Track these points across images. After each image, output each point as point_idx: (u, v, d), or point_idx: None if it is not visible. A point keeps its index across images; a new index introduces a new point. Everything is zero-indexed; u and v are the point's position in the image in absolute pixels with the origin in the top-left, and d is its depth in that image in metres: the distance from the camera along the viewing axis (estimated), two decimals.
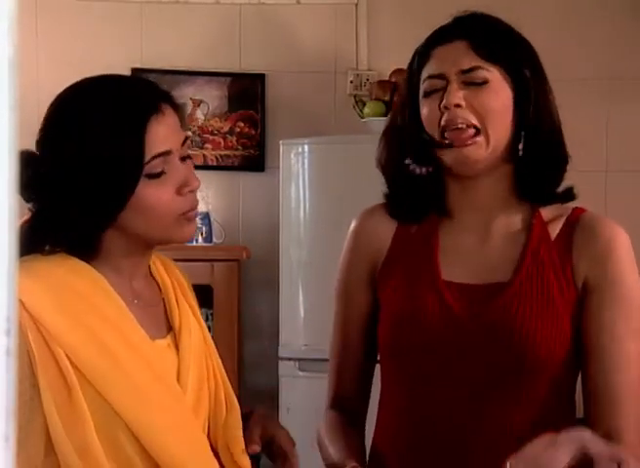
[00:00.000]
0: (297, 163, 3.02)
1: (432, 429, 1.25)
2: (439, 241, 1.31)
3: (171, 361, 1.17)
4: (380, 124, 3.11)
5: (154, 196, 1.10)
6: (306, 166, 3.01)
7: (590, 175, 3.35)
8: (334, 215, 2.91)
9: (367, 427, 1.41)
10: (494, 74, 1.22)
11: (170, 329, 1.21)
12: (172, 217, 1.12)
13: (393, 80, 3.14)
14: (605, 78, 3.37)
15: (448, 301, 1.25)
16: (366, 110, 3.16)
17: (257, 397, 3.35)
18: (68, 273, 1.10)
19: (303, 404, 2.88)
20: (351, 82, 3.37)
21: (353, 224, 1.39)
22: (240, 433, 1.20)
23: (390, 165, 1.32)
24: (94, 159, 1.08)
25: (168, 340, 1.19)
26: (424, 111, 1.25)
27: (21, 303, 1.02)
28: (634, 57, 3.35)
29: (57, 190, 1.10)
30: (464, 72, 1.21)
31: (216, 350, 1.28)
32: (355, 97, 3.31)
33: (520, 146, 1.24)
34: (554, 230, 1.28)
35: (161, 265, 1.27)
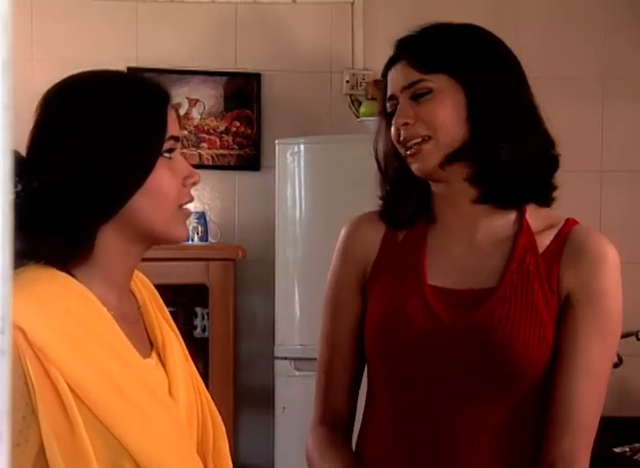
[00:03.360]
0: (292, 162, 3.01)
1: (415, 431, 1.27)
2: (426, 246, 1.32)
3: (162, 380, 1.14)
4: (375, 123, 3.11)
5: (167, 179, 1.10)
6: (302, 165, 3.01)
7: (585, 175, 3.36)
8: (329, 215, 2.91)
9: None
10: (437, 83, 1.24)
11: (152, 346, 1.18)
12: (174, 207, 1.12)
13: None
14: (600, 77, 3.37)
15: (432, 305, 1.26)
16: (362, 110, 3.16)
17: (252, 396, 3.35)
18: (62, 292, 1.05)
19: (299, 403, 2.88)
20: (347, 81, 3.37)
21: (342, 233, 1.40)
22: (228, 454, 1.20)
23: (384, 171, 1.36)
24: (117, 136, 1.08)
25: (155, 359, 1.16)
26: (391, 131, 1.31)
27: (22, 331, 0.97)
28: (629, 56, 3.36)
29: (61, 178, 1.07)
30: (406, 88, 1.26)
31: (195, 368, 1.25)
32: (351, 96, 3.31)
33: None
34: (543, 242, 1.27)
35: (137, 279, 1.24)
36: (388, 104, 1.31)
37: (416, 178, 1.30)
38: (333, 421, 1.38)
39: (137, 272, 1.23)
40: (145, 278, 1.27)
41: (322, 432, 1.37)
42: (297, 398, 2.91)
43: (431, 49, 1.27)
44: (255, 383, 3.36)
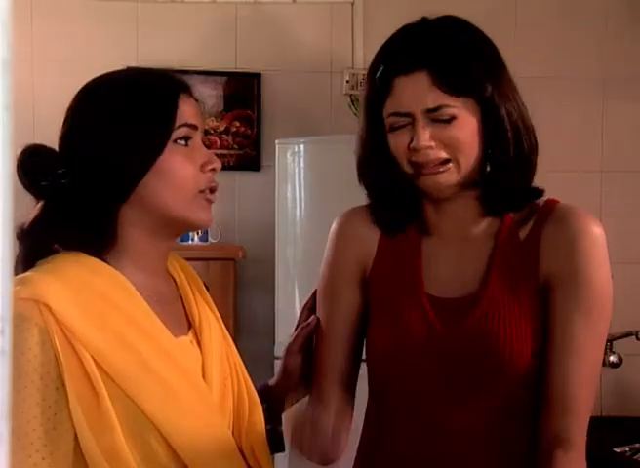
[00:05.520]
0: (292, 162, 3.01)
1: (414, 433, 1.28)
2: (422, 254, 1.32)
3: (195, 358, 1.17)
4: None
5: (180, 163, 1.13)
6: (302, 165, 3.01)
7: (586, 175, 3.36)
8: (329, 215, 2.90)
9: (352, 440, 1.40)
10: (459, 108, 1.20)
11: (190, 325, 1.22)
12: (192, 192, 1.15)
13: None
14: (600, 78, 3.37)
15: (429, 315, 1.26)
16: None
17: None
18: (90, 274, 1.10)
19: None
20: (347, 81, 3.37)
21: (336, 225, 1.40)
22: (263, 431, 1.23)
23: (371, 184, 1.34)
24: (128, 123, 1.12)
25: (190, 337, 1.20)
26: (392, 147, 1.25)
27: (48, 308, 1.03)
28: (629, 57, 3.36)
29: (79, 167, 1.12)
30: (430, 111, 1.20)
31: (235, 347, 1.29)
32: (351, 96, 3.31)
33: (487, 168, 1.25)
34: (525, 229, 1.27)
35: (176, 263, 1.28)
36: (396, 119, 1.23)
37: (406, 189, 1.28)
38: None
39: (177, 257, 1.29)
40: (183, 260, 1.31)
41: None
42: None
43: (461, 70, 1.20)
44: (255, 383, 3.36)
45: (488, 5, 3.22)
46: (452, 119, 1.20)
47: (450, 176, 1.22)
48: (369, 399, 1.37)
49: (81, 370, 1.03)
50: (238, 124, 3.41)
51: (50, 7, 3.30)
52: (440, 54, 1.21)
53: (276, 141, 3.06)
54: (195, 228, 1.21)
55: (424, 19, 1.28)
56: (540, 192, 1.29)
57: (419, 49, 1.22)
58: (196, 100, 1.20)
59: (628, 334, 2.94)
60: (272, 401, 1.28)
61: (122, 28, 3.36)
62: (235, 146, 3.41)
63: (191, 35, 3.38)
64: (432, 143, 1.20)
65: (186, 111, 1.15)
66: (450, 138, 1.20)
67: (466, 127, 1.21)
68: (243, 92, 3.41)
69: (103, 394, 1.03)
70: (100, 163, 1.12)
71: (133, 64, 3.27)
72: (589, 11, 3.36)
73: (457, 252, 1.30)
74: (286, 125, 3.36)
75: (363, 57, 3.38)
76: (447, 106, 1.19)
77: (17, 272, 1.09)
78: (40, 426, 1.01)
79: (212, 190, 1.18)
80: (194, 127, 1.16)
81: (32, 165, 1.12)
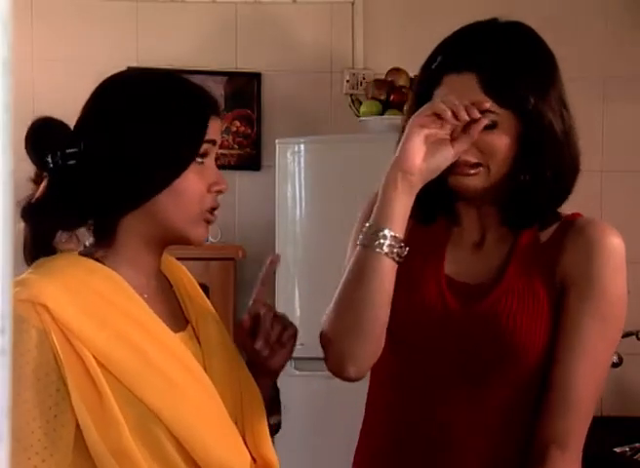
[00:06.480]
0: (293, 162, 3.01)
1: (422, 415, 1.29)
2: (449, 239, 1.35)
3: (195, 352, 1.18)
4: (376, 123, 3.11)
5: (193, 183, 1.14)
6: (302, 165, 3.01)
7: (586, 174, 3.35)
8: (330, 214, 2.91)
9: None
10: (502, 117, 1.21)
11: (187, 322, 1.23)
12: (197, 211, 1.16)
13: (390, 79, 3.14)
14: (600, 78, 3.37)
15: (444, 294, 1.29)
16: (362, 109, 3.16)
17: None
18: (87, 274, 1.11)
19: (300, 403, 2.88)
20: (347, 81, 3.37)
21: (374, 194, 1.38)
22: (265, 424, 1.23)
23: None
24: (156, 136, 1.12)
25: (189, 332, 1.21)
26: None
27: (45, 308, 1.03)
28: (630, 56, 3.36)
29: (94, 162, 1.12)
30: None
31: (233, 343, 1.30)
32: (351, 96, 3.31)
33: (524, 177, 1.26)
34: (546, 234, 1.30)
35: (167, 261, 1.29)
36: None
37: (441, 182, 1.28)
38: None
39: (169, 256, 1.29)
40: (175, 259, 1.32)
41: None
42: (297, 398, 2.91)
43: (506, 80, 1.21)
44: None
45: (488, 5, 3.22)
46: (493, 126, 1.21)
47: (478, 180, 1.25)
48: (373, 386, 1.38)
49: (82, 369, 1.03)
50: (238, 124, 3.41)
51: (50, 7, 3.30)
52: (491, 60, 1.22)
53: (276, 141, 3.06)
54: (190, 244, 1.21)
55: (494, 21, 1.30)
56: (557, 215, 1.31)
57: (473, 50, 1.24)
58: (220, 118, 1.20)
59: (629, 334, 2.94)
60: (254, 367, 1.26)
61: (122, 28, 3.36)
62: (235, 146, 3.41)
63: (191, 35, 3.38)
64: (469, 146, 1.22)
65: (212, 129, 1.16)
66: (486, 144, 1.22)
67: (505, 136, 1.23)
68: (243, 91, 3.41)
69: (106, 392, 1.03)
70: (118, 171, 1.12)
71: (133, 64, 3.27)
72: (589, 11, 3.36)
73: (479, 244, 1.33)
74: (286, 125, 3.36)
75: (363, 56, 3.38)
76: (490, 112, 1.20)
77: (27, 256, 1.11)
78: (40, 428, 1.01)
79: (213, 210, 1.18)
80: (214, 142, 1.17)
81: (42, 135, 1.11)
